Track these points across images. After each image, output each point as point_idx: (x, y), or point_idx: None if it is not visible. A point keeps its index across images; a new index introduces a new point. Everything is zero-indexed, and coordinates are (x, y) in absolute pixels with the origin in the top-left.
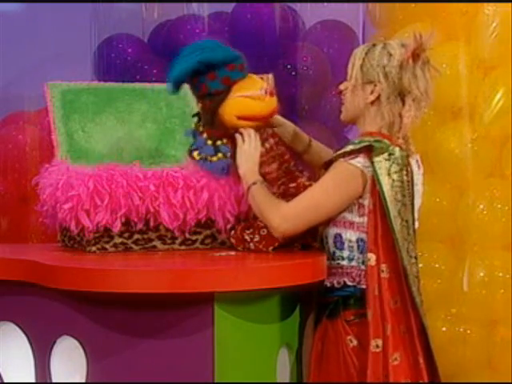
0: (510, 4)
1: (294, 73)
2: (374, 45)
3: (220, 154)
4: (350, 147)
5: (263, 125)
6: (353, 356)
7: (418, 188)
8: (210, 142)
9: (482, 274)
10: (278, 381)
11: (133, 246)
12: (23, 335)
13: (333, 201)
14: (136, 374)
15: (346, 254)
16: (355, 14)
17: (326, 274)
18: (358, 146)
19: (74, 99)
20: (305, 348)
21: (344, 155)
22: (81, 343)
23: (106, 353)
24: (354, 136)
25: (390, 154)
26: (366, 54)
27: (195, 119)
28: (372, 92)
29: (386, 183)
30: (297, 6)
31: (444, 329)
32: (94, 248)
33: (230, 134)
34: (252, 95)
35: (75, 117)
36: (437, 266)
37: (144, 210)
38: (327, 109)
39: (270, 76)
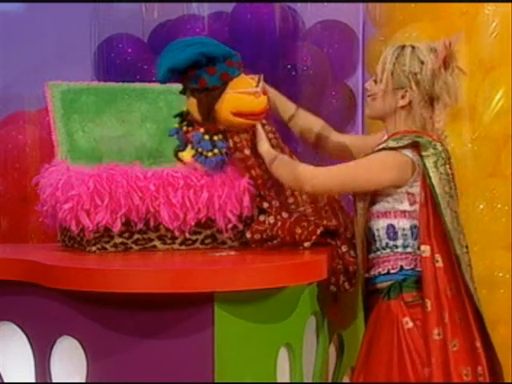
0: (509, 4)
1: (293, 73)
2: (403, 48)
3: (216, 150)
4: (391, 143)
5: (252, 124)
6: (408, 338)
7: None
8: (207, 137)
9: (482, 274)
10: (278, 381)
11: (133, 245)
12: (23, 335)
13: (372, 179)
14: (136, 374)
15: (400, 242)
16: (355, 13)
17: (326, 273)
18: (401, 143)
19: (74, 99)
20: (305, 348)
21: (389, 149)
22: (81, 343)
23: (106, 353)
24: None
25: (434, 148)
26: (397, 58)
27: (177, 119)
28: (403, 97)
29: (435, 176)
30: (297, 6)
31: None
32: (94, 248)
33: (223, 130)
34: (248, 91)
35: (75, 117)
36: None
37: (144, 209)
38: (327, 109)
39: (261, 76)
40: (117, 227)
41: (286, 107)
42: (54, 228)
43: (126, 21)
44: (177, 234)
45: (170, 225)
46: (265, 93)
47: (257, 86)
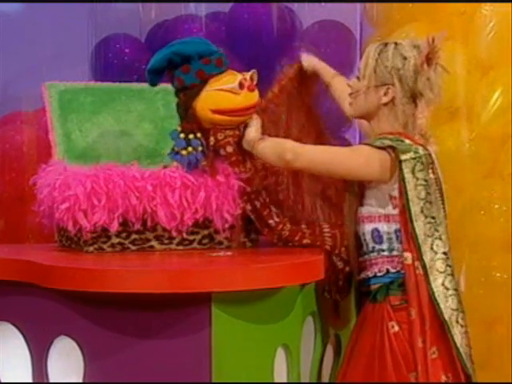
0: (507, 4)
1: None
2: (386, 44)
3: (190, 148)
4: (376, 142)
5: (239, 121)
6: (393, 341)
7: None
8: (182, 136)
9: (479, 275)
10: (276, 381)
11: (130, 246)
12: (20, 335)
13: (353, 167)
14: (133, 374)
15: (385, 246)
16: (352, 13)
17: (323, 274)
18: (380, 144)
19: (72, 99)
20: (302, 348)
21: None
22: (78, 343)
23: (103, 353)
24: (351, 135)
25: (414, 153)
26: (379, 54)
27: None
28: (386, 94)
29: (410, 182)
30: (294, 6)
31: None
32: (91, 248)
33: (203, 128)
34: (225, 88)
35: (72, 117)
36: None
37: (141, 209)
38: (324, 109)
39: (253, 72)
40: (114, 227)
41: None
42: (51, 228)
43: (123, 21)
44: (174, 234)
45: (168, 225)
46: (251, 89)
47: (237, 82)
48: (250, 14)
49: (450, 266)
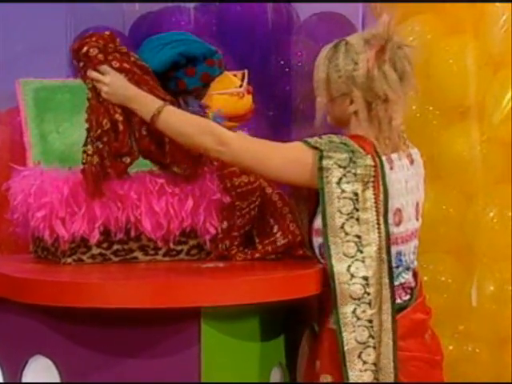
0: None
1: (287, 69)
2: (336, 47)
3: None
4: (317, 140)
5: (235, 127)
6: None
7: (412, 184)
8: None
9: (491, 288)
10: None
11: (112, 257)
12: None
13: (280, 167)
14: None
15: None
16: (354, 4)
17: (319, 287)
18: (313, 143)
19: (48, 97)
20: (299, 368)
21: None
22: (55, 363)
23: (82, 373)
24: None
25: (351, 162)
26: (330, 63)
27: None
28: (352, 102)
29: (330, 192)
30: None
31: (451, 347)
32: (69, 259)
33: None
34: (230, 92)
35: (49, 116)
36: (443, 279)
37: (124, 218)
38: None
39: (245, 72)
40: (94, 237)
41: None
42: (26, 238)
43: (104, 12)
44: (160, 244)
45: (153, 234)
46: (249, 91)
47: (241, 85)
48: (243, 5)
49: (369, 294)
